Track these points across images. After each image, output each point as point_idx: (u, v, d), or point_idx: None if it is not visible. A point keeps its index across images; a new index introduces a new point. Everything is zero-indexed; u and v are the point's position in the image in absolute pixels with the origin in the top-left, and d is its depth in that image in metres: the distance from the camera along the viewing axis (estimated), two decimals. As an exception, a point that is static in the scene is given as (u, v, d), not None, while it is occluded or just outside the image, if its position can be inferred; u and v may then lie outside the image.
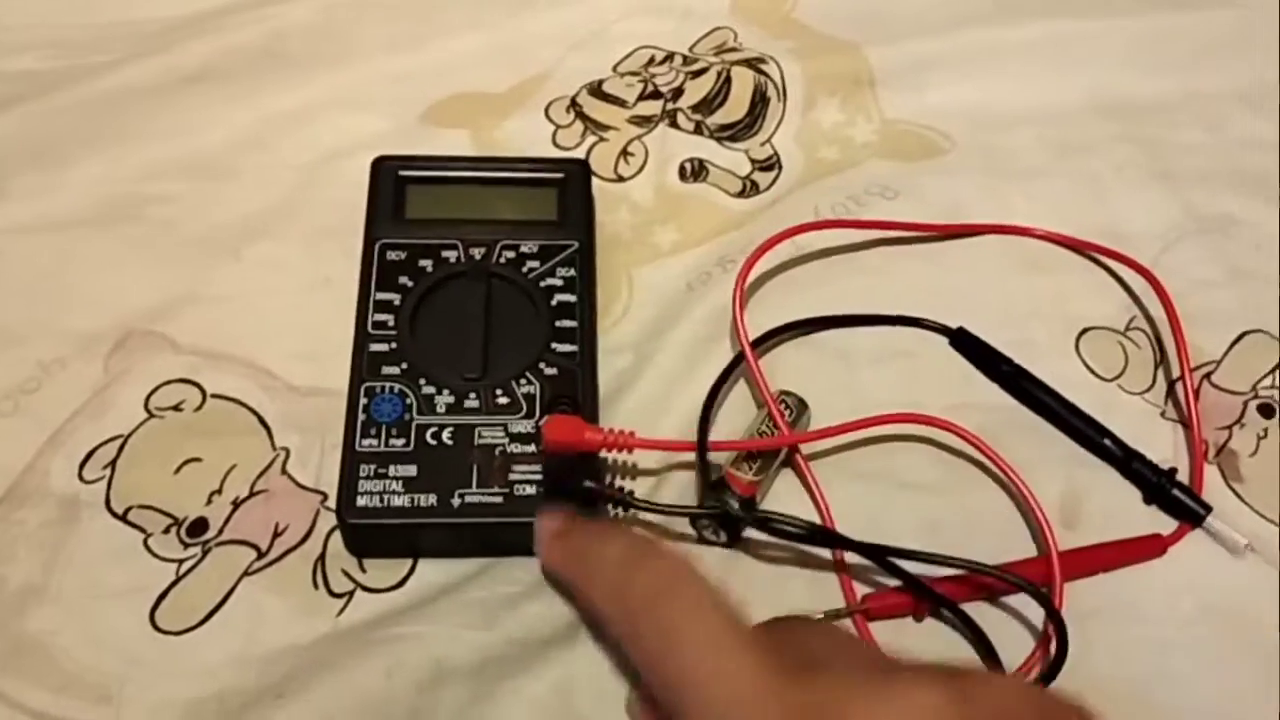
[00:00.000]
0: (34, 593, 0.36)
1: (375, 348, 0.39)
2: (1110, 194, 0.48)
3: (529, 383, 0.39)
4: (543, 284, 0.41)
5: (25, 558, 0.37)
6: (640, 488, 0.39)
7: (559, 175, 0.44)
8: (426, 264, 0.41)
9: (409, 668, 0.35)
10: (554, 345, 0.40)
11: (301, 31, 0.52)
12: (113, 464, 0.39)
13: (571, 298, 0.41)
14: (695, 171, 0.48)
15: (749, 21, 0.54)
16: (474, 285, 0.41)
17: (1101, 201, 0.48)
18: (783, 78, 0.51)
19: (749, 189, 0.48)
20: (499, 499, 0.36)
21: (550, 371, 0.39)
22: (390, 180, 0.43)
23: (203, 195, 0.46)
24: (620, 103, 0.50)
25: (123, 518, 0.38)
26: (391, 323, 0.40)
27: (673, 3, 0.54)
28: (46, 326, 0.42)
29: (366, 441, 0.37)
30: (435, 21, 0.53)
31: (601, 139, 0.49)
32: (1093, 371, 0.43)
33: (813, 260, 0.46)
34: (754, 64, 0.52)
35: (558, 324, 0.40)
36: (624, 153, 0.49)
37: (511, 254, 0.42)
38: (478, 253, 0.41)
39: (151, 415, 0.40)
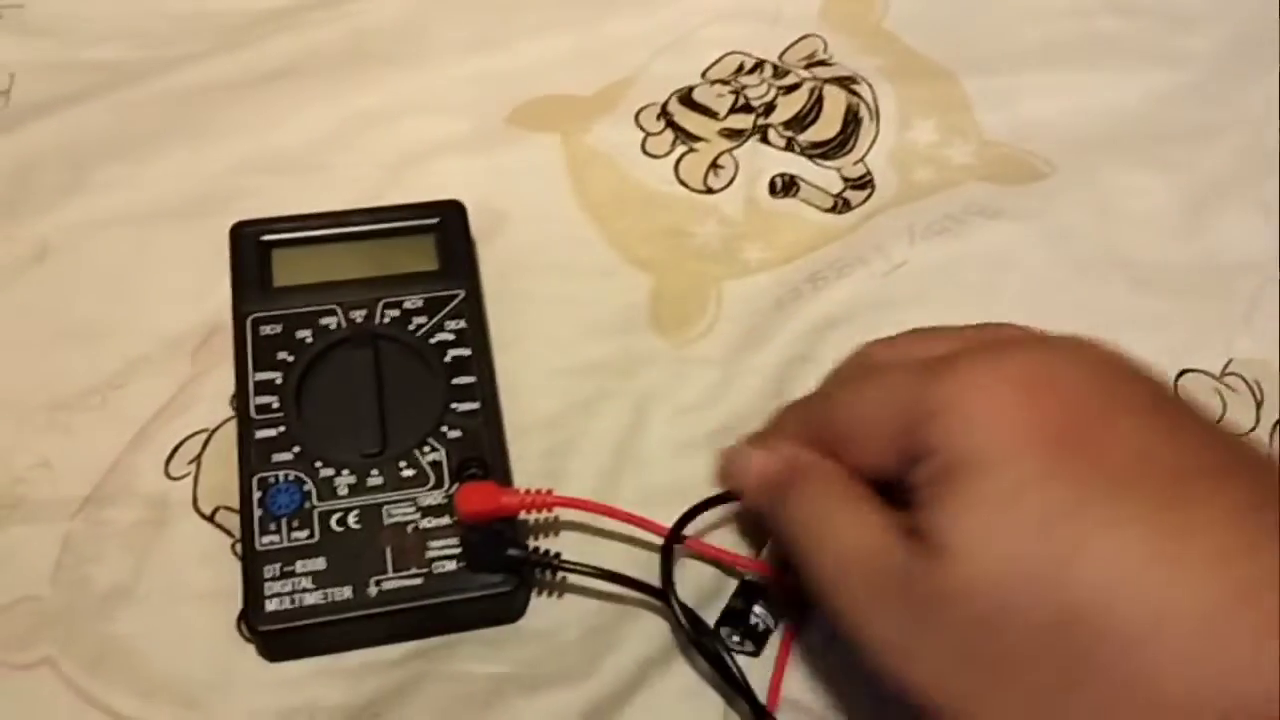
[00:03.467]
0: (123, 595, 0.35)
1: (262, 434, 0.36)
2: (1214, 216, 0.47)
3: (433, 449, 0.36)
4: (432, 340, 0.38)
5: (114, 558, 0.36)
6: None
7: (434, 220, 0.41)
8: (305, 335, 0.38)
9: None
10: (454, 405, 0.37)
11: (384, 30, 0.51)
12: (198, 460, 0.38)
13: (466, 351, 0.38)
14: (786, 186, 0.47)
15: (838, 30, 0.52)
16: (360, 352, 0.38)
17: (1205, 225, 0.46)
18: (875, 98, 0.50)
19: (840, 205, 0.47)
20: (419, 580, 0.34)
21: (454, 435, 0.37)
22: (252, 247, 0.40)
23: (287, 191, 0.45)
24: (711, 114, 0.49)
25: (210, 519, 0.37)
26: (276, 404, 0.37)
27: (762, 7, 0.53)
28: (132, 322, 0.41)
29: (266, 539, 0.34)
30: (518, 22, 0.51)
31: (691, 149, 0.48)
32: None
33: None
34: (845, 83, 0.50)
35: (454, 381, 0.38)
36: (714, 165, 0.48)
37: (395, 312, 0.39)
38: (359, 315, 0.39)
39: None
